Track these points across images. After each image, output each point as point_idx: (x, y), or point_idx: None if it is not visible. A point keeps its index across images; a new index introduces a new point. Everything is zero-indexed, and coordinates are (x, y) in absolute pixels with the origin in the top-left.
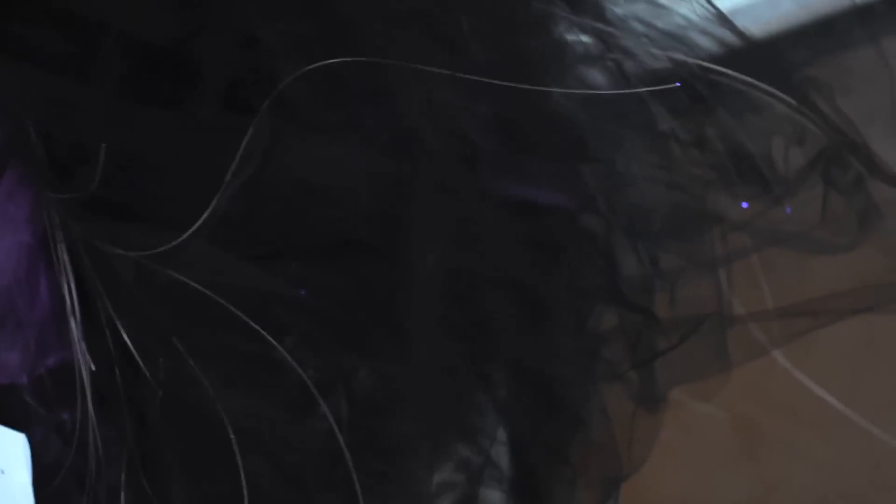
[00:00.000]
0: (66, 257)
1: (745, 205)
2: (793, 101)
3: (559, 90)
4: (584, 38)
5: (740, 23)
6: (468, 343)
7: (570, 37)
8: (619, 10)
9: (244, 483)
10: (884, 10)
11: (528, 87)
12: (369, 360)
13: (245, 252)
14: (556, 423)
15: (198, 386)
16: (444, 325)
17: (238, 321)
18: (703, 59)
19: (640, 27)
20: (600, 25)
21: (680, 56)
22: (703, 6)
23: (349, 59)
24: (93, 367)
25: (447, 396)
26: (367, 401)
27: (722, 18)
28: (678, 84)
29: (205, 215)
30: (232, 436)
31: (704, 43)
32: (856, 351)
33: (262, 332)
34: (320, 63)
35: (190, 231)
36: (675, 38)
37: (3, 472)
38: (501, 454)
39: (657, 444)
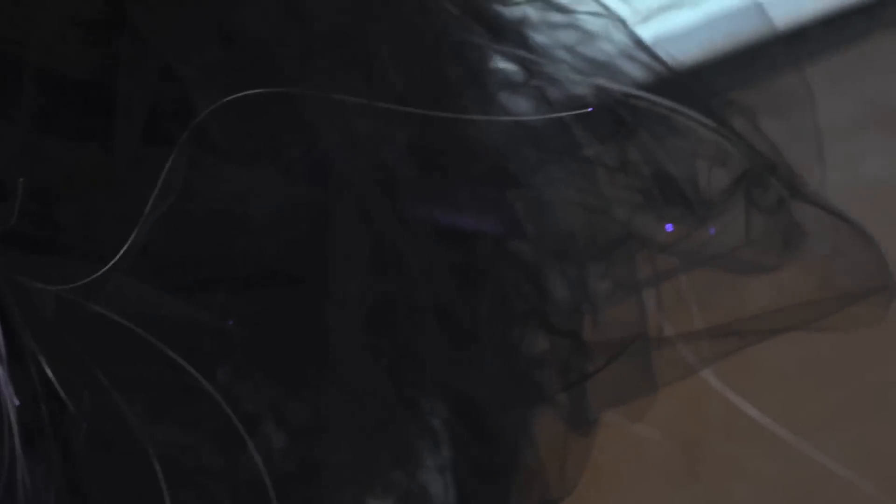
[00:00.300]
0: None
1: (669, 227)
2: (712, 124)
3: (479, 118)
4: (507, 66)
5: (671, 50)
6: (394, 370)
7: (492, 64)
8: (544, 38)
9: None
10: (816, 35)
11: (447, 115)
12: (298, 390)
13: (169, 284)
14: (491, 449)
15: (123, 419)
16: (369, 353)
17: (165, 353)
18: (629, 86)
19: (564, 55)
20: (522, 53)
21: (602, 82)
22: (625, 35)
23: (265, 90)
24: (17, 402)
25: (375, 424)
26: (301, 430)
27: (643, 47)
28: (591, 109)
29: (124, 248)
30: (157, 468)
31: (631, 70)
32: (793, 372)
33: (183, 362)
34: (237, 95)
35: (109, 264)
36: (600, 65)
37: None
38: (439, 482)
39: (599, 467)
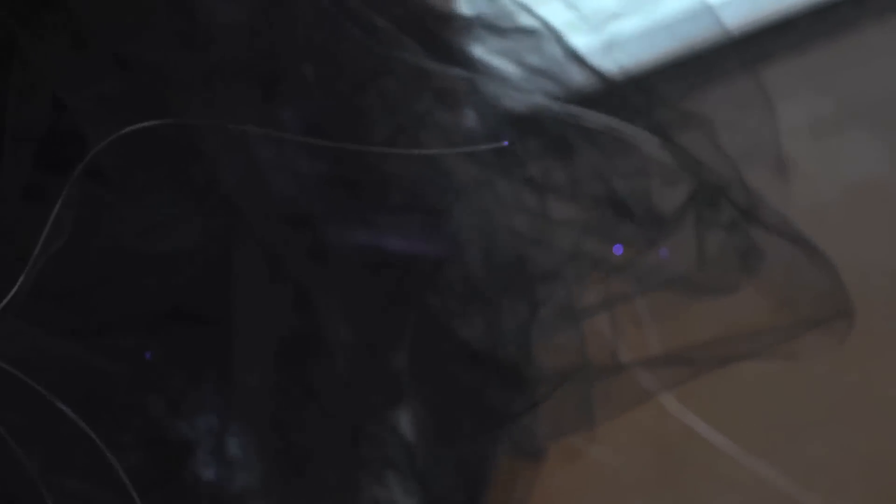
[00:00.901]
0: None
1: (618, 249)
2: (660, 143)
3: (388, 150)
4: (445, 83)
5: (624, 55)
6: (301, 411)
7: (431, 81)
8: (492, 46)
9: None
10: (802, 25)
11: (354, 147)
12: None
13: (68, 327)
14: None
15: (21, 469)
16: (279, 393)
17: (63, 398)
18: (578, 95)
19: (510, 66)
20: (458, 71)
21: (546, 100)
22: (562, 49)
23: (159, 122)
24: None
25: (293, 461)
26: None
27: (581, 61)
28: (506, 143)
29: (13, 290)
30: None
31: (579, 77)
32: (753, 387)
33: (69, 412)
34: (132, 128)
35: None
36: (549, 76)
37: None
38: None
39: (578, 472)
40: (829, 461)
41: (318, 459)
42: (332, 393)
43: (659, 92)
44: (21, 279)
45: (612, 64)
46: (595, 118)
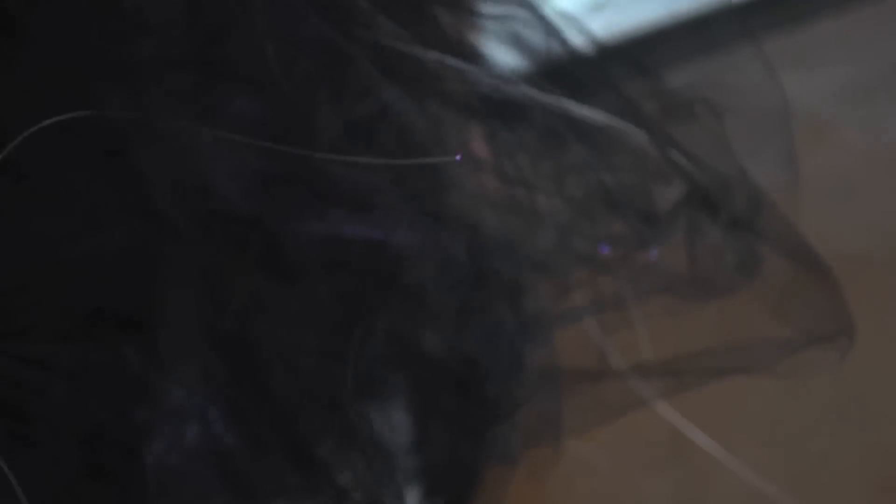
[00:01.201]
0: None
1: (604, 249)
2: (652, 142)
3: (332, 157)
4: (423, 67)
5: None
6: (256, 414)
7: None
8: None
9: None
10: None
11: (304, 152)
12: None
13: None
14: None
15: None
16: (232, 395)
17: None
18: (571, 78)
19: (499, 44)
20: (439, 55)
21: (535, 91)
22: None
23: (74, 114)
24: None
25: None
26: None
27: (573, 40)
28: (458, 157)
29: None
30: None
31: (573, 54)
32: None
33: None
34: (47, 122)
35: None
36: (539, 54)
37: None
38: None
39: (588, 450)
40: (829, 461)
41: (272, 464)
42: (290, 396)
43: (660, 77)
44: None
45: (609, 32)
46: (586, 111)
